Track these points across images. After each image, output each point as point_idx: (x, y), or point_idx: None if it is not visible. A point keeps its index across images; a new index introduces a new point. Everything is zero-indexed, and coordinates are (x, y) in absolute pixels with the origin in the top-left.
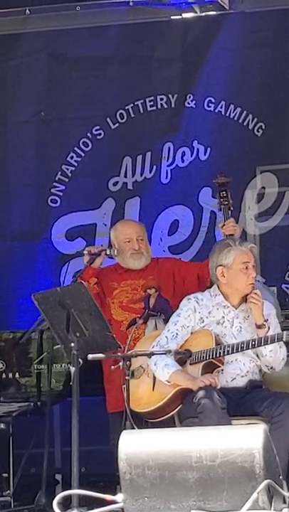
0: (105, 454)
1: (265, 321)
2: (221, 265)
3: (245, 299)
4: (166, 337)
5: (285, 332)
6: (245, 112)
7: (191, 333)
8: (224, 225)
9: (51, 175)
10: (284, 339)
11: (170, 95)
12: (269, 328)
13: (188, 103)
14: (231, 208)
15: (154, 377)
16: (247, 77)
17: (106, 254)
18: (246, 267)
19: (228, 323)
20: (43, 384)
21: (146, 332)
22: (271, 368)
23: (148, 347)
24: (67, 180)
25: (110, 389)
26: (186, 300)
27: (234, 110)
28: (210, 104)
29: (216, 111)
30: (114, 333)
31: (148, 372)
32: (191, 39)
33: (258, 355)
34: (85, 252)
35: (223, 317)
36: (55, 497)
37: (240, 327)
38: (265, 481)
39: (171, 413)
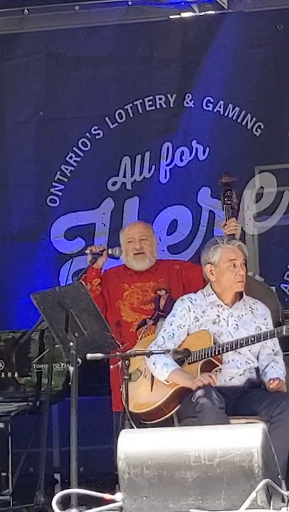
0: (104, 454)
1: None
2: (209, 263)
3: (238, 297)
4: (162, 337)
5: (284, 326)
6: (243, 112)
7: (188, 333)
8: (226, 224)
9: (50, 175)
10: (284, 333)
11: (169, 95)
12: None
13: (187, 103)
14: (235, 208)
15: (152, 378)
16: (246, 77)
17: (108, 254)
18: (234, 265)
19: (223, 322)
20: (42, 383)
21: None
22: None
23: None
24: (66, 180)
25: (114, 388)
26: (179, 301)
27: (233, 110)
28: (209, 104)
29: (215, 110)
30: (124, 334)
31: (146, 374)
32: (189, 39)
33: (258, 358)
34: (87, 251)
35: (218, 316)
36: (54, 496)
37: (237, 325)
38: (264, 481)
39: (170, 414)
